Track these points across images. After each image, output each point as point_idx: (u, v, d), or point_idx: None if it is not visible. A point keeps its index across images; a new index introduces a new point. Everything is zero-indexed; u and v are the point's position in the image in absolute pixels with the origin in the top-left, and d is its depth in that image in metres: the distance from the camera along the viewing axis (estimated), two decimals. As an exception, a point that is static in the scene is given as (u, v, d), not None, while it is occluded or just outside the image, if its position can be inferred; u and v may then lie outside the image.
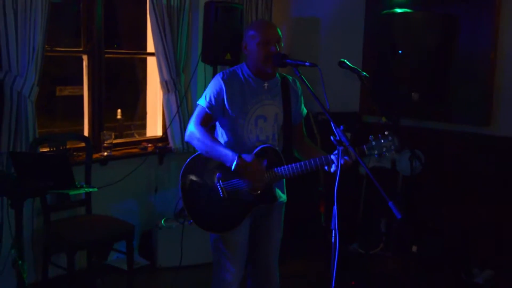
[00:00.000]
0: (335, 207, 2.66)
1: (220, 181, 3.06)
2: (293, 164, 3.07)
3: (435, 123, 5.26)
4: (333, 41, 5.86)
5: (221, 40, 4.58)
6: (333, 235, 2.65)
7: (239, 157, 2.94)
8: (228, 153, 2.96)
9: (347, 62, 3.14)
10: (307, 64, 2.93)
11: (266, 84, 3.16)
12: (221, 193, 3.06)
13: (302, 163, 3.06)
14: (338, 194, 2.65)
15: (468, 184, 5.11)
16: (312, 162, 3.04)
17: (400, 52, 4.63)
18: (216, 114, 3.10)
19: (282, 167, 3.07)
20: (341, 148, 2.72)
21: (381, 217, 5.45)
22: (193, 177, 3.09)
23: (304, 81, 2.91)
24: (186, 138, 3.11)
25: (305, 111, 3.38)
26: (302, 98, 3.32)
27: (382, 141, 3.04)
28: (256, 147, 3.12)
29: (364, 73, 3.25)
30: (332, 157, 3.01)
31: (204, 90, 3.17)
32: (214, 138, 3.07)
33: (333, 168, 3.01)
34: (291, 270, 4.97)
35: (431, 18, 4.68)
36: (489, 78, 4.91)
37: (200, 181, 3.09)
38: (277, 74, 3.23)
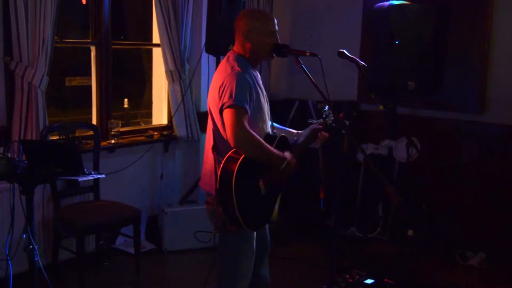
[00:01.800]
0: (336, 192, 2.78)
1: (260, 179, 2.97)
2: (299, 144, 3.24)
3: (430, 111, 5.34)
4: (332, 31, 5.89)
5: (224, 31, 4.57)
6: (332, 219, 2.78)
7: (288, 161, 2.99)
8: (278, 156, 2.96)
9: (346, 52, 3.25)
10: (307, 53, 3.01)
11: (258, 75, 3.17)
12: (262, 191, 2.99)
13: (300, 145, 3.23)
14: (337, 180, 2.77)
15: (462, 170, 5.20)
16: (306, 143, 3.26)
17: (397, 42, 4.68)
18: (249, 111, 2.91)
19: (294, 150, 3.18)
20: (342, 134, 2.85)
21: (378, 202, 5.51)
22: (244, 184, 2.88)
23: (305, 70, 2.97)
24: (238, 145, 2.82)
25: None
26: None
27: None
28: (266, 135, 3.12)
29: (362, 63, 3.36)
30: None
31: (208, 86, 3.05)
32: (264, 142, 2.95)
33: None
34: (291, 253, 5.08)
35: (426, 10, 4.72)
36: (483, 67, 4.99)
37: (249, 186, 2.93)
38: None
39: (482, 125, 5.08)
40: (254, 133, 2.87)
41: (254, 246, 3.18)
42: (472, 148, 5.15)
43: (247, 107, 2.88)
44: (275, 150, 2.97)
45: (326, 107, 3.30)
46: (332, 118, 3.28)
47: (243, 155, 2.86)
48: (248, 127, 2.83)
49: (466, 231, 5.16)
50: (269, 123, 3.20)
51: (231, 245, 3.13)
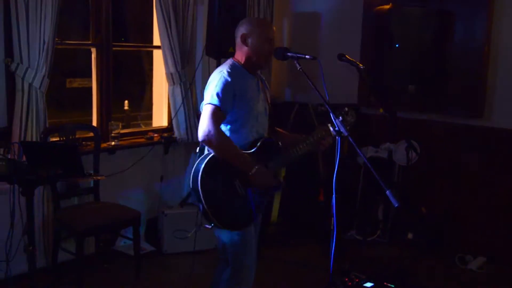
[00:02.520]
0: (334, 195, 2.79)
1: (237, 179, 3.05)
2: (289, 154, 3.25)
3: (430, 115, 5.33)
4: (332, 35, 5.90)
5: (224, 34, 4.59)
6: (332, 222, 2.79)
7: (257, 170, 3.03)
8: (247, 162, 3.03)
9: (346, 56, 3.26)
10: (307, 57, 3.02)
11: (255, 80, 3.24)
12: (239, 191, 3.06)
13: (294, 150, 3.25)
14: (336, 183, 2.79)
15: (462, 174, 5.21)
16: (304, 148, 3.26)
17: (397, 46, 4.71)
18: (227, 113, 3.04)
19: (281, 158, 3.24)
20: (339, 139, 2.87)
21: (378, 205, 5.53)
22: (212, 180, 2.98)
23: (304, 74, 2.99)
24: (203, 138, 2.98)
25: None
26: None
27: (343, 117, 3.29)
28: (255, 140, 3.19)
29: (362, 66, 3.37)
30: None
31: (208, 88, 3.11)
32: (232, 142, 3.05)
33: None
34: (290, 256, 5.10)
35: (427, 14, 4.74)
36: (483, 71, 4.99)
37: (219, 182, 3.01)
38: None
39: (482, 129, 5.08)
40: (222, 133, 3.01)
41: (253, 241, 3.25)
42: (472, 151, 5.15)
43: (224, 108, 3.01)
44: (244, 155, 3.05)
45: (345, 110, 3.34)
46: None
47: (212, 154, 3.00)
48: (216, 124, 2.96)
49: (466, 235, 5.17)
50: (261, 128, 3.25)
51: (232, 240, 3.20)
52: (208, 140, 2.97)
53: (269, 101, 3.38)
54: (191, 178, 3.01)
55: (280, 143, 3.35)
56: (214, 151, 3.00)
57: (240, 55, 3.19)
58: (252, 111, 3.16)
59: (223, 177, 3.02)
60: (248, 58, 3.17)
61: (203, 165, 2.97)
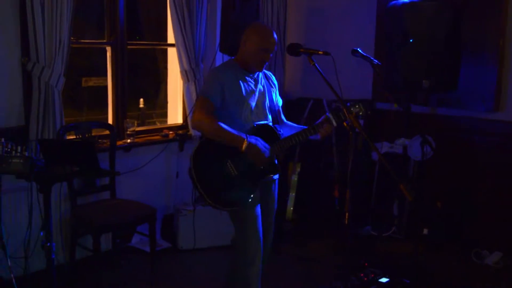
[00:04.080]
0: (349, 191, 2.82)
1: (229, 160, 3.23)
2: (288, 137, 3.35)
3: (445, 109, 5.30)
4: (346, 30, 5.89)
5: (238, 30, 4.59)
6: (346, 217, 2.81)
7: (248, 143, 3.15)
8: (237, 137, 3.16)
9: (360, 51, 3.27)
10: (320, 52, 3.06)
11: (253, 76, 3.42)
12: (232, 171, 3.24)
13: (294, 134, 3.34)
14: (351, 178, 2.81)
15: (478, 169, 5.17)
16: (301, 133, 3.33)
17: (411, 40, 4.69)
18: (217, 104, 3.25)
19: (279, 141, 3.35)
20: (354, 134, 2.91)
21: (393, 200, 5.50)
22: (204, 161, 3.21)
23: (318, 69, 3.01)
24: (194, 125, 3.28)
25: (280, 99, 3.66)
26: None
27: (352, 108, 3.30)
28: (253, 128, 3.35)
29: (376, 61, 3.37)
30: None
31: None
32: (222, 122, 3.20)
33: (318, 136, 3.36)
34: (306, 252, 5.10)
35: (440, 7, 4.71)
36: (498, 64, 4.94)
37: (212, 163, 3.22)
38: None
39: (497, 122, 5.05)
40: (210, 116, 3.20)
41: (259, 226, 3.35)
42: (488, 146, 5.11)
43: (212, 99, 3.24)
44: (234, 132, 3.18)
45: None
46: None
47: (203, 139, 3.27)
48: (206, 112, 3.19)
49: (482, 230, 5.14)
50: (256, 120, 3.38)
51: (236, 226, 3.40)
52: (198, 125, 3.24)
53: (274, 97, 3.53)
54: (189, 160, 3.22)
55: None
56: (206, 133, 3.25)
57: (240, 54, 3.42)
58: (244, 104, 3.32)
59: (215, 159, 3.23)
60: (244, 60, 3.39)
61: (194, 150, 3.23)
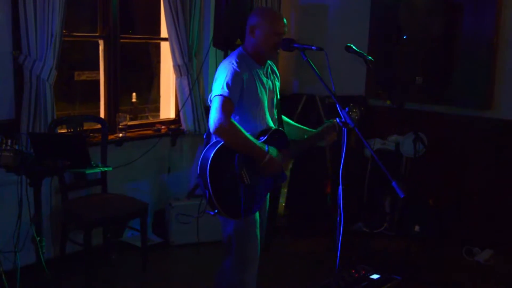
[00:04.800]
0: (340, 187, 2.80)
1: (244, 168, 3.04)
2: (297, 146, 3.29)
3: (438, 107, 5.31)
4: (340, 26, 5.88)
5: (232, 25, 4.58)
6: (338, 214, 2.79)
7: (270, 157, 3.06)
8: (259, 150, 3.04)
9: (353, 47, 3.25)
10: (313, 48, 3.02)
11: (264, 70, 3.25)
12: (245, 180, 3.05)
13: (302, 142, 3.30)
14: (343, 175, 2.79)
15: (470, 166, 5.19)
16: (310, 140, 3.31)
17: (405, 37, 4.70)
18: (235, 103, 3.03)
19: (289, 149, 3.26)
20: (345, 130, 2.88)
21: (385, 197, 5.53)
22: (221, 167, 2.98)
23: (311, 65, 2.99)
24: (215, 130, 2.95)
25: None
26: None
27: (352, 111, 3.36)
28: (264, 130, 3.21)
29: (370, 58, 3.36)
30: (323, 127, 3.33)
31: (217, 79, 3.09)
32: (244, 131, 3.03)
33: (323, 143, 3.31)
34: (297, 248, 5.12)
35: (435, 4, 4.72)
36: (492, 62, 4.96)
37: (227, 170, 3.01)
38: None
39: (490, 120, 5.06)
40: (234, 123, 2.98)
41: (258, 231, 3.25)
42: (480, 143, 5.13)
43: (234, 99, 3.00)
44: (257, 144, 3.05)
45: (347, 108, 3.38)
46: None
47: (221, 142, 2.98)
48: (226, 115, 2.95)
49: (473, 227, 5.16)
50: (269, 120, 3.26)
51: (237, 229, 3.21)
52: (220, 131, 2.96)
53: (277, 92, 3.39)
54: (199, 164, 3.01)
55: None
56: (227, 142, 2.99)
57: (248, 45, 3.21)
58: (260, 103, 3.17)
59: (231, 166, 3.02)
60: (255, 50, 3.18)
61: (213, 152, 2.96)
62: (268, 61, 3.34)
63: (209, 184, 2.93)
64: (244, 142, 3.02)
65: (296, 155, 3.34)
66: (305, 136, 3.37)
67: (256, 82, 3.15)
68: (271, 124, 3.28)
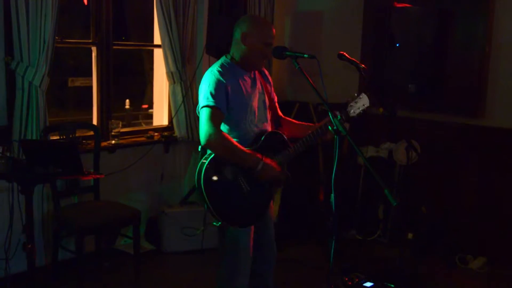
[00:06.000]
0: (333, 195, 2.80)
1: (241, 176, 3.04)
2: (296, 144, 3.23)
3: (431, 114, 5.31)
4: (333, 34, 5.89)
5: (225, 32, 4.60)
6: (331, 221, 2.79)
7: (263, 164, 3.02)
8: (251, 159, 3.02)
9: (346, 55, 3.25)
10: (305, 55, 3.02)
11: (250, 75, 3.23)
12: (244, 188, 3.05)
13: (303, 139, 3.23)
14: (337, 182, 2.78)
15: (462, 174, 5.19)
16: (311, 137, 3.23)
17: (397, 45, 4.71)
18: (224, 111, 3.02)
19: (288, 150, 3.23)
20: (338, 138, 2.88)
21: (379, 205, 5.53)
22: (215, 179, 2.97)
23: (303, 73, 2.98)
24: (205, 143, 2.95)
25: (275, 95, 3.50)
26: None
27: (356, 101, 3.32)
28: (258, 134, 3.19)
29: (362, 65, 3.37)
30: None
31: (201, 90, 3.07)
32: (235, 142, 3.03)
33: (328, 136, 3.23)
34: (290, 255, 5.08)
35: (427, 12, 4.74)
36: (483, 70, 4.97)
37: (223, 181, 3.00)
38: None
39: (482, 128, 5.07)
40: (224, 135, 2.99)
41: (250, 245, 3.21)
42: (472, 151, 5.14)
43: (221, 107, 2.99)
44: (248, 151, 3.03)
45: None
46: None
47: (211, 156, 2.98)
48: (215, 126, 2.95)
49: (466, 235, 5.15)
50: (260, 122, 3.23)
51: (228, 243, 3.18)
52: (210, 145, 2.96)
53: (269, 93, 3.38)
54: (195, 176, 3.00)
55: (285, 133, 3.36)
56: (218, 154, 2.99)
57: (236, 52, 3.18)
58: (248, 107, 3.15)
59: (227, 175, 3.01)
60: (244, 57, 3.16)
61: (206, 164, 2.97)
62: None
63: (206, 197, 2.93)
64: (235, 153, 3.01)
65: (295, 156, 3.28)
66: (310, 132, 3.30)
67: (243, 87, 3.14)
68: (264, 126, 3.26)
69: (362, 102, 3.34)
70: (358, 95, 3.31)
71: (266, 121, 3.31)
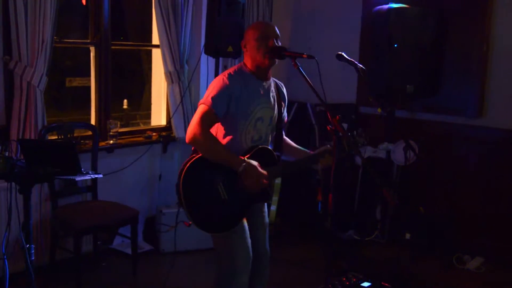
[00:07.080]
0: (331, 195, 2.80)
1: (220, 183, 3.00)
2: (285, 162, 3.25)
3: (429, 115, 5.34)
4: (331, 35, 5.90)
5: (223, 33, 4.59)
6: (329, 221, 2.79)
7: (247, 164, 2.98)
8: (235, 159, 2.98)
9: (344, 55, 3.25)
10: (304, 56, 3.01)
11: (264, 86, 3.19)
12: (221, 195, 3.00)
13: (293, 162, 3.26)
14: (335, 182, 2.79)
15: (460, 174, 5.21)
16: (302, 161, 3.26)
17: (395, 45, 4.71)
18: (220, 115, 3.01)
19: (277, 167, 3.21)
20: (337, 137, 2.88)
21: (376, 205, 5.52)
22: (195, 181, 2.94)
23: (301, 73, 2.98)
24: (189, 140, 2.95)
25: (286, 116, 3.46)
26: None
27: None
28: (250, 147, 3.15)
29: (361, 66, 3.37)
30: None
31: (207, 88, 3.09)
32: (220, 142, 3.04)
33: (317, 167, 3.22)
34: (289, 256, 5.08)
35: (425, 13, 4.75)
36: (482, 71, 5.00)
37: (201, 185, 2.97)
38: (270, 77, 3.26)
39: (480, 129, 5.09)
40: (209, 134, 2.98)
41: (248, 242, 3.21)
42: (470, 151, 5.16)
43: (212, 106, 2.96)
44: (232, 154, 3.00)
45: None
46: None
47: (199, 154, 2.96)
48: (204, 125, 2.94)
49: (464, 235, 5.17)
50: (258, 136, 3.19)
51: (223, 242, 3.17)
52: (194, 141, 2.96)
53: (281, 112, 3.32)
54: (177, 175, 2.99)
55: (283, 155, 3.33)
56: (201, 151, 2.97)
57: (247, 60, 3.18)
58: (249, 116, 3.11)
59: (207, 180, 2.98)
60: (252, 63, 3.15)
61: (187, 165, 2.95)
62: (276, 81, 3.32)
63: (182, 196, 2.92)
64: (218, 153, 2.98)
65: (284, 174, 3.28)
66: (302, 158, 3.31)
67: (249, 95, 3.10)
68: (259, 140, 3.21)
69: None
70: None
71: (265, 136, 3.25)
